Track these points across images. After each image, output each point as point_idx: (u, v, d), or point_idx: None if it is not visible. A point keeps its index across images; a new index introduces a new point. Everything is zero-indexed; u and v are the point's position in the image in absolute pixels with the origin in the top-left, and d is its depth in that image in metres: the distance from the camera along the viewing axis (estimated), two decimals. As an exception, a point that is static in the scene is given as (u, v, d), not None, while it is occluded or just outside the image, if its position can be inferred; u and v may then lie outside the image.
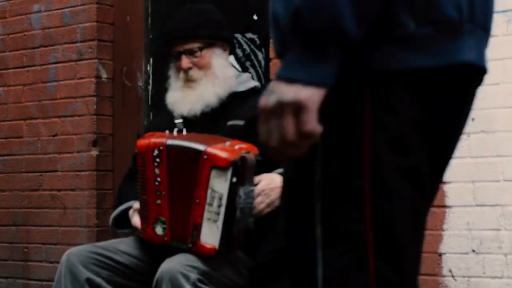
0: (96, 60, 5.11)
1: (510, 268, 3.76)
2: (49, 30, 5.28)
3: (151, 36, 5.11)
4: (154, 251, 3.12)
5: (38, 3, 5.33)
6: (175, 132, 3.06)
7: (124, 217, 3.17)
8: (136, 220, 3.05)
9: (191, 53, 3.23)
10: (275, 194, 2.93)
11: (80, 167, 5.09)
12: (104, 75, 5.15)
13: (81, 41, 5.15)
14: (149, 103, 5.08)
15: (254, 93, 3.27)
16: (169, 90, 3.33)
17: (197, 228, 2.86)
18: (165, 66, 5.05)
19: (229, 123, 3.12)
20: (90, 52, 5.12)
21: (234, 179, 2.84)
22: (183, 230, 2.90)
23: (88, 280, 3.01)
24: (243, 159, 2.85)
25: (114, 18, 5.22)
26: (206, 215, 2.86)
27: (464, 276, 3.86)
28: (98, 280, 3.02)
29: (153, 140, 2.95)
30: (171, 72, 3.34)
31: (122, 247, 3.13)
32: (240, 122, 3.11)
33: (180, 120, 3.17)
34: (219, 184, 2.84)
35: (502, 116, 3.81)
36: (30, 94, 5.34)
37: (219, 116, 3.18)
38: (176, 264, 2.83)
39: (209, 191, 2.85)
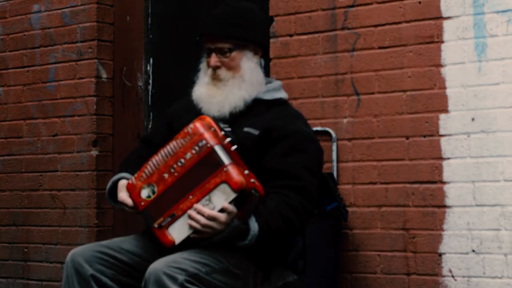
0: (96, 60, 5.11)
1: (510, 268, 3.76)
2: (49, 30, 5.28)
3: (151, 36, 5.11)
4: (157, 250, 3.12)
5: (38, 3, 5.34)
6: (227, 140, 3.04)
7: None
8: (123, 195, 3.08)
9: (221, 52, 3.19)
10: (223, 227, 2.90)
11: (80, 167, 5.09)
12: (104, 75, 5.15)
13: (81, 41, 5.15)
14: (149, 103, 5.08)
15: (278, 104, 3.25)
16: (196, 84, 3.30)
17: (173, 218, 2.94)
18: (166, 66, 5.06)
19: (245, 129, 3.11)
20: (90, 52, 5.13)
21: (232, 203, 2.91)
22: (160, 211, 2.96)
23: (93, 276, 3.01)
24: (250, 194, 2.92)
25: (114, 18, 5.22)
26: (188, 213, 2.92)
27: (464, 276, 3.86)
28: (104, 279, 3.03)
29: (208, 134, 2.98)
30: (202, 66, 3.31)
31: (125, 245, 3.13)
32: (255, 132, 3.10)
33: (228, 128, 3.15)
34: (218, 198, 2.90)
35: (502, 116, 3.82)
36: (30, 94, 5.34)
37: (240, 118, 3.18)
38: (162, 265, 2.83)
39: (206, 197, 2.92)
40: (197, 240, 2.94)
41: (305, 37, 4.35)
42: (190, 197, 2.92)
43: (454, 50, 3.94)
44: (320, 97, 4.29)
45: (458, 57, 3.93)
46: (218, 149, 2.95)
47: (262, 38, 3.30)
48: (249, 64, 3.22)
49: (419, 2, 4.04)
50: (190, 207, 2.91)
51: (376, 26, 4.15)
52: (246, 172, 2.95)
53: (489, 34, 3.86)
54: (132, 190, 3.04)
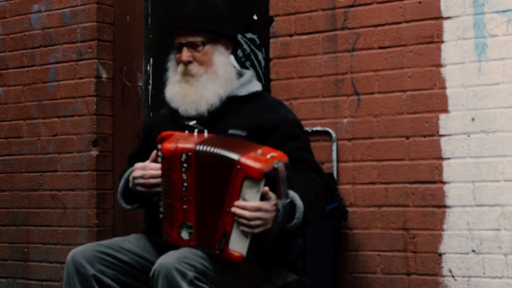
0: (96, 60, 5.11)
1: (510, 268, 3.76)
2: (49, 30, 5.28)
3: (151, 36, 5.11)
4: (157, 250, 3.11)
5: (38, 3, 5.34)
6: (195, 133, 3.01)
7: (129, 193, 3.16)
8: (139, 164, 3.05)
9: (193, 46, 3.13)
10: (272, 213, 2.85)
11: (80, 167, 5.09)
12: (104, 75, 5.15)
13: (81, 41, 5.15)
14: (149, 103, 5.08)
15: (254, 97, 3.20)
16: (167, 84, 3.23)
17: (226, 235, 2.86)
18: (165, 65, 5.06)
19: (231, 131, 3.06)
20: (90, 52, 5.13)
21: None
22: (211, 236, 2.88)
23: (94, 277, 3.00)
24: (275, 171, 2.83)
25: (114, 18, 5.22)
26: (236, 223, 2.85)
27: (464, 276, 3.86)
28: (105, 279, 3.02)
29: (180, 145, 2.90)
30: (170, 64, 3.25)
31: (126, 245, 3.12)
32: (243, 133, 3.05)
33: (194, 122, 3.11)
34: (251, 195, 2.83)
35: (502, 116, 3.82)
36: (30, 94, 5.34)
37: (219, 120, 3.13)
38: (173, 260, 2.81)
39: (240, 200, 2.84)
40: (262, 237, 2.87)
41: (305, 37, 4.35)
42: (228, 209, 2.85)
43: (454, 50, 3.94)
44: (320, 97, 4.29)
45: (458, 57, 3.93)
46: (199, 147, 2.88)
47: (233, 33, 3.25)
48: (221, 58, 3.16)
49: (419, 2, 4.04)
50: (234, 218, 2.84)
51: (376, 26, 4.16)
52: (259, 152, 2.87)
53: (489, 34, 3.86)
54: (176, 241, 2.95)
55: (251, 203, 2.82)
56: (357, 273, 4.13)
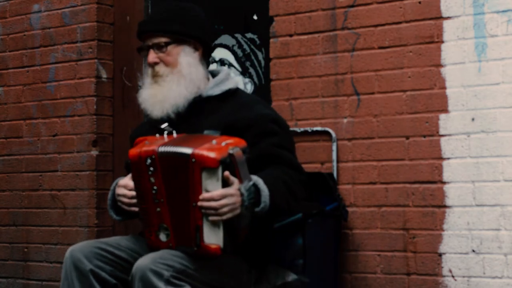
0: (96, 60, 5.11)
1: (510, 268, 3.76)
2: (49, 30, 5.28)
3: (151, 36, 5.11)
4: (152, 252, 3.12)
5: (38, 3, 5.34)
6: (165, 135, 3.02)
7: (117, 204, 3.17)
8: (122, 181, 3.08)
9: (158, 47, 3.17)
10: (237, 197, 2.86)
11: (80, 167, 5.09)
12: (104, 75, 5.15)
13: (81, 41, 5.15)
14: (149, 103, 5.08)
15: (229, 95, 3.20)
16: (142, 87, 3.27)
17: (199, 230, 2.87)
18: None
19: (206, 132, 3.06)
20: (90, 52, 5.13)
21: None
22: (186, 234, 2.90)
23: (92, 272, 3.01)
24: (231, 156, 2.85)
25: (114, 18, 5.22)
26: (205, 216, 2.87)
27: (464, 276, 3.86)
28: (103, 274, 3.03)
29: (144, 148, 2.93)
30: (144, 70, 3.29)
31: (124, 243, 3.14)
32: (216, 133, 3.04)
33: (166, 124, 3.12)
34: (212, 184, 2.85)
35: (502, 116, 3.82)
36: (30, 94, 5.34)
37: (195, 121, 3.15)
38: (148, 261, 2.83)
39: (203, 192, 2.86)
40: (235, 224, 2.89)
41: (305, 37, 4.35)
42: (193, 204, 2.87)
43: (454, 50, 3.94)
44: (320, 97, 4.29)
45: (458, 57, 3.93)
46: (162, 149, 2.90)
47: (201, 34, 3.23)
48: (187, 59, 3.17)
49: (419, 2, 4.04)
50: (202, 212, 2.86)
51: (376, 26, 4.16)
52: (214, 142, 2.89)
53: (489, 34, 3.86)
54: (156, 244, 2.97)
55: (215, 192, 2.84)
56: (357, 273, 4.13)
